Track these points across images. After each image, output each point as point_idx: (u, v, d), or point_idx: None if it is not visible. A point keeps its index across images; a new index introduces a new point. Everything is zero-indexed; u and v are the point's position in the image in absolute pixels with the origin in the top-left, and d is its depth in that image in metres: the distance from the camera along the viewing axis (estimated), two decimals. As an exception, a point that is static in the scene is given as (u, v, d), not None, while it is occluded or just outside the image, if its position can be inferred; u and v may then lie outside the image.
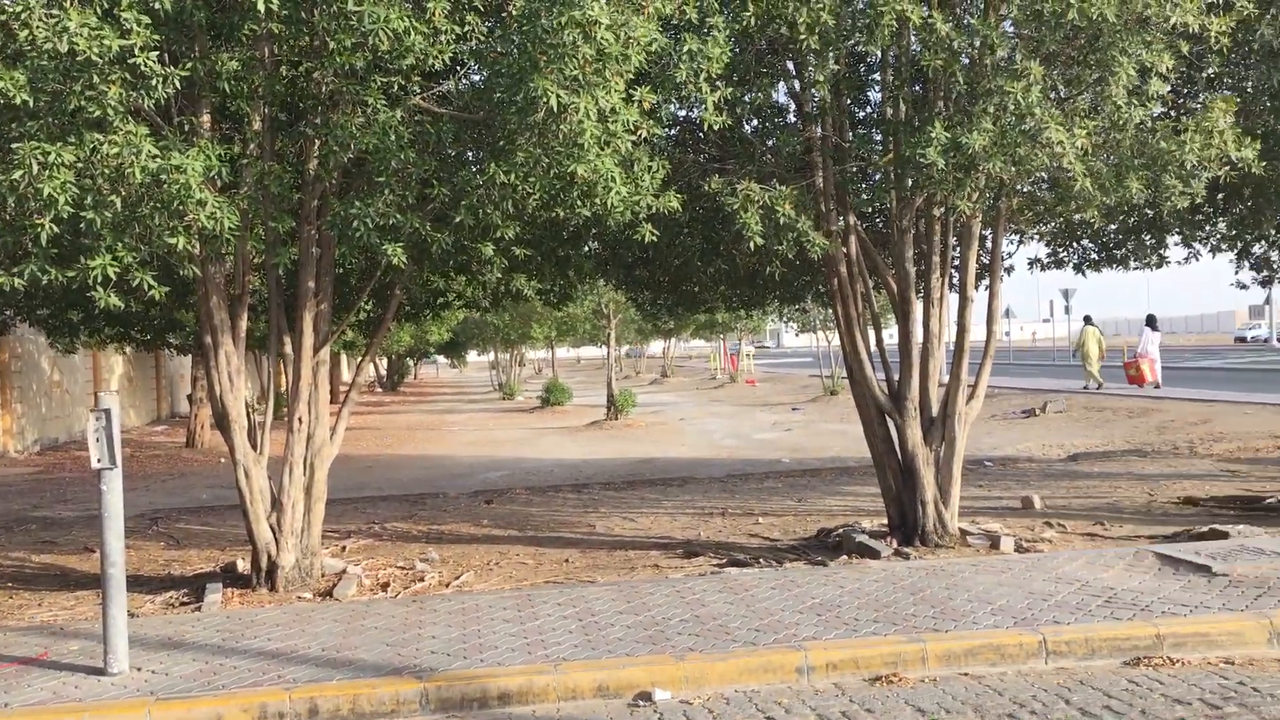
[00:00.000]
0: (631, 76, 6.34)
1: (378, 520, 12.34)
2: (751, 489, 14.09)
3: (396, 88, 6.74)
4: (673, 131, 9.27)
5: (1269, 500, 10.68)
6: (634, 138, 6.58)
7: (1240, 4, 6.85)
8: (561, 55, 5.95)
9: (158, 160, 5.91)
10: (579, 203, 6.75)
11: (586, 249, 10.30)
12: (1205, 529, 8.85)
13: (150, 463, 20.75)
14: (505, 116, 6.39)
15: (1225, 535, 8.49)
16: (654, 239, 7.18)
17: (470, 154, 7.61)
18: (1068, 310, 47.32)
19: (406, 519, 12.46)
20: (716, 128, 6.85)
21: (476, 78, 7.48)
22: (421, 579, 8.75)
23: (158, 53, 5.93)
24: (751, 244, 7.36)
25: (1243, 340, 72.32)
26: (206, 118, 7.17)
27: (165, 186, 5.95)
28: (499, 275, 9.24)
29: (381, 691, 5.54)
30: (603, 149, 6.34)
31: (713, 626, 6.47)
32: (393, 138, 6.51)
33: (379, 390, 53.83)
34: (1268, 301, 65.41)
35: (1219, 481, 12.52)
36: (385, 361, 54.58)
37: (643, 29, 6.18)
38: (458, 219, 6.98)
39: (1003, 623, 6.27)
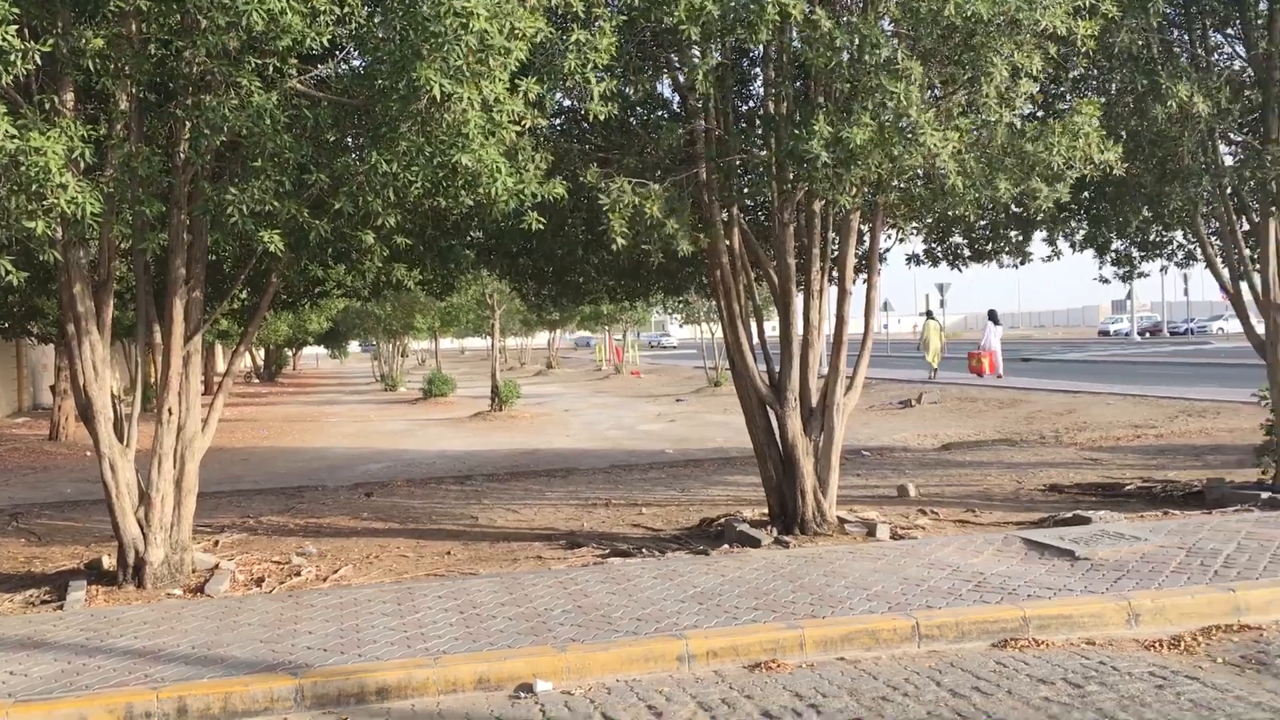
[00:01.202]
0: (516, 67, 6.28)
1: (253, 514, 12.03)
2: (636, 480, 14.15)
3: (272, 70, 6.54)
4: (558, 122, 9.23)
5: (1128, 487, 11.17)
6: (519, 128, 6.53)
7: (1105, 8, 7.11)
8: (443, 44, 5.86)
9: (15, 140, 5.64)
10: (462, 192, 6.67)
11: (470, 238, 10.19)
12: (1069, 515, 9.20)
13: (10, 456, 19.84)
14: (387, 104, 6.27)
15: (1088, 521, 8.84)
16: (540, 227, 7.14)
17: (350, 140, 7.45)
18: (943, 304, 48.79)
19: (283, 512, 12.17)
20: (602, 118, 6.84)
21: (357, 62, 7.32)
22: (298, 573, 8.56)
23: (16, 27, 5.65)
24: (615, 244, 7.38)
25: (1106, 334, 75.42)
26: (70, 97, 6.87)
27: (23, 168, 5.69)
28: (379, 264, 9.07)
29: (254, 689, 5.40)
30: (487, 139, 6.27)
31: (595, 617, 6.47)
32: (268, 121, 6.33)
33: (256, 381, 52.45)
34: (1129, 296, 68.38)
35: (1082, 469, 13.04)
36: (263, 352, 53.19)
37: (527, 20, 6.12)
38: (337, 206, 6.83)
39: (878, 608, 6.42)
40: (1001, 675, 5.58)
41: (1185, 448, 14.60)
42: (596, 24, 6.67)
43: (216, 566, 8.54)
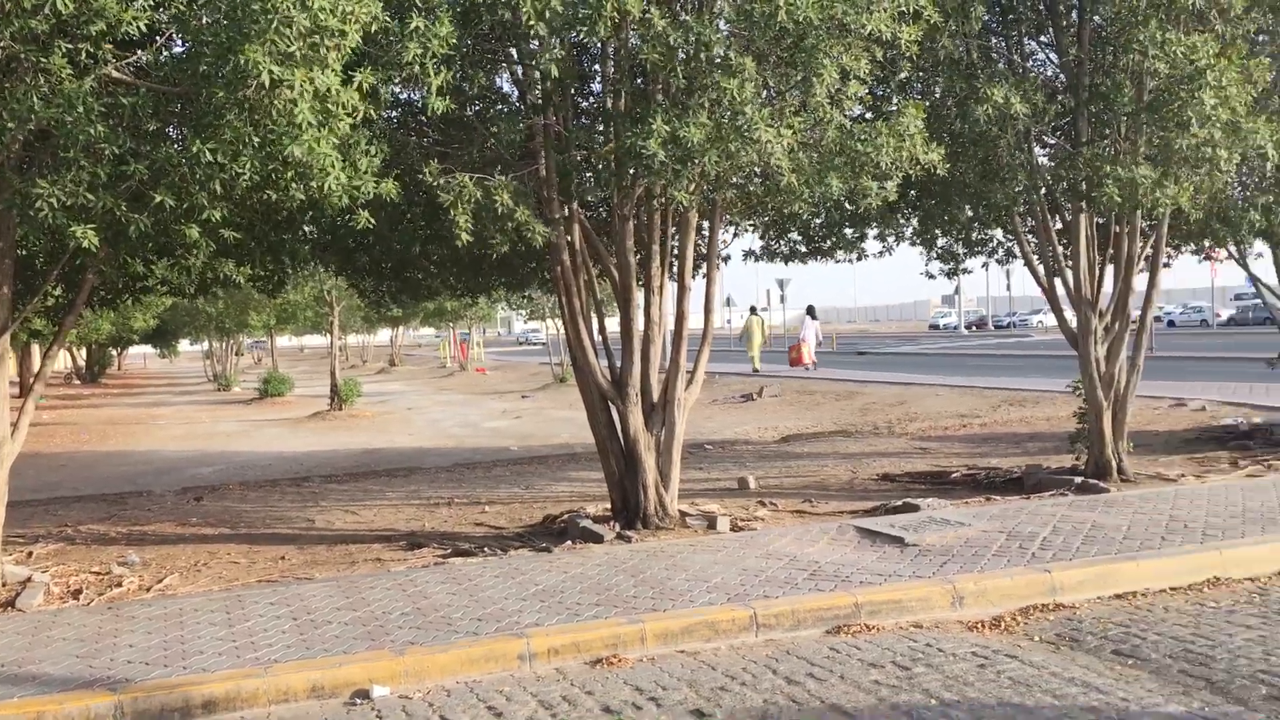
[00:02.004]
0: (351, 57, 6.10)
1: (71, 523, 11.40)
2: (479, 478, 14.01)
3: (85, 56, 6.19)
4: (394, 114, 9.04)
5: (955, 474, 11.65)
6: (353, 120, 6.35)
7: (928, 14, 7.38)
8: (273, 23, 5.64)
9: None
10: (294, 185, 6.44)
11: (303, 233, 9.88)
12: (900, 503, 9.53)
13: None
14: (212, 90, 6.00)
15: (917, 508, 9.17)
16: (374, 224, 6.97)
17: (173, 130, 7.10)
18: (783, 299, 50.08)
19: (104, 520, 11.59)
20: (440, 111, 6.72)
21: (179, 49, 6.99)
22: (119, 584, 8.15)
23: None
24: (460, 240, 7.29)
25: (936, 328, 78.59)
26: None
27: None
28: (205, 259, 8.70)
29: (69, 707, 5.12)
30: (320, 130, 6.07)
31: (435, 618, 6.37)
32: (80, 110, 5.98)
33: (77, 383, 49.81)
34: (957, 291, 71.44)
35: (913, 458, 13.54)
36: (84, 351, 50.55)
37: (364, 6, 5.96)
38: (158, 199, 6.51)
39: (717, 600, 6.52)
40: (835, 661, 5.73)
41: (1007, 436, 15.31)
42: (435, 12, 6.54)
43: (29, 579, 8.06)
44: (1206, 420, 14.92)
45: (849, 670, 5.55)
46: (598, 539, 8.67)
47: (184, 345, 58.27)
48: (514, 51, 8.39)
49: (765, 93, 7.71)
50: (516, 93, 8.91)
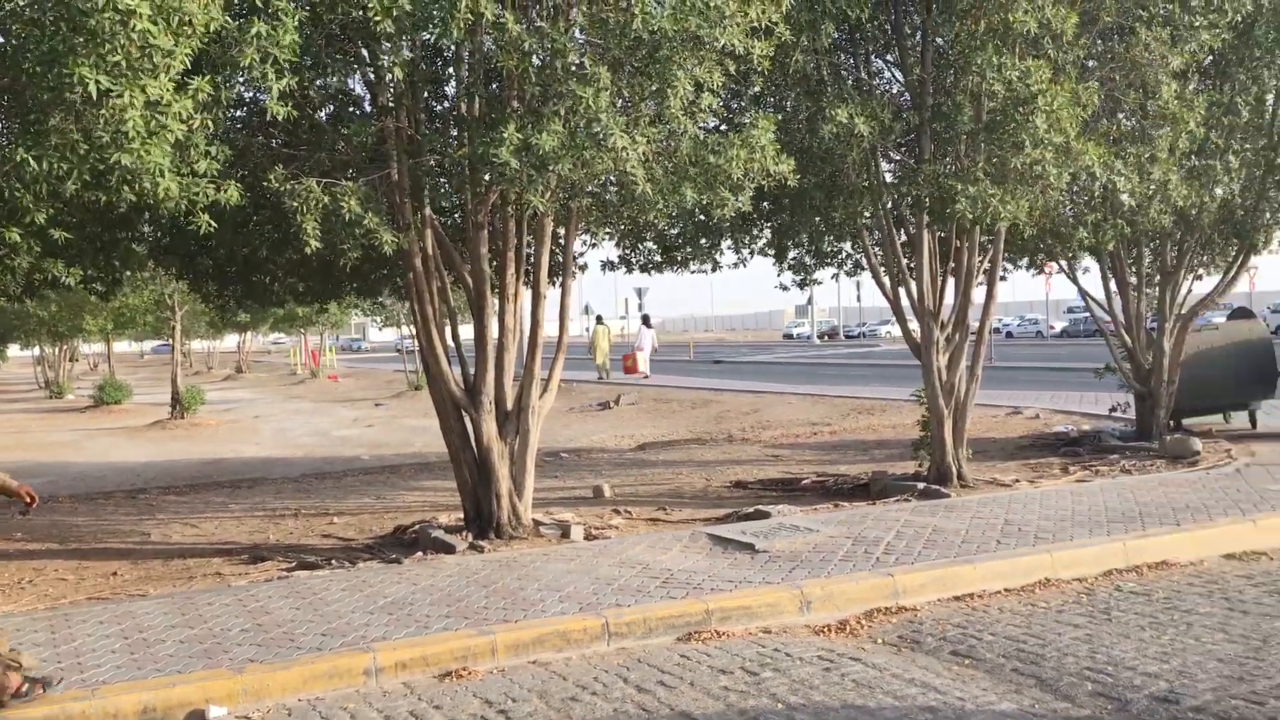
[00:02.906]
0: (186, 65, 5.82)
1: (-120, 541, 10.65)
2: (328, 488, 13.66)
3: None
4: (239, 114, 8.74)
5: (805, 481, 11.90)
6: (185, 127, 6.05)
7: (779, 31, 7.51)
8: (101, 41, 5.33)
9: None
10: (124, 188, 6.12)
11: (139, 234, 9.45)
12: (752, 510, 9.67)
13: None
14: (38, 90, 5.66)
15: (768, 515, 9.32)
16: (214, 229, 6.70)
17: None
18: (641, 308, 50.42)
19: (-82, 537, 10.85)
20: (281, 117, 6.50)
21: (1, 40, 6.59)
22: (-66, 605, 7.65)
23: None
24: (308, 247, 7.08)
25: (789, 337, 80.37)
26: None
27: None
28: (31, 261, 8.24)
29: None
30: (149, 139, 5.75)
31: (277, 635, 6.17)
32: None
33: (-109, 390, 46.67)
34: (810, 302, 73.22)
35: (765, 466, 13.78)
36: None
37: (201, 13, 5.71)
38: (-25, 199, 6.13)
39: (570, 609, 6.48)
40: (685, 668, 5.76)
41: (855, 443, 15.73)
42: (279, 16, 6.32)
43: None
44: (1040, 428, 15.62)
45: (699, 677, 5.59)
46: (449, 549, 8.54)
47: (13, 350, 55.15)
48: (365, 53, 8.20)
49: (621, 102, 7.73)
50: (369, 95, 8.73)
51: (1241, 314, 15.41)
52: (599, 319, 35.09)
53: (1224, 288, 13.08)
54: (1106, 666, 5.48)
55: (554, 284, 10.02)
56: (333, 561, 8.60)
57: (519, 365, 9.58)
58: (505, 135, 6.84)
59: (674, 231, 11.69)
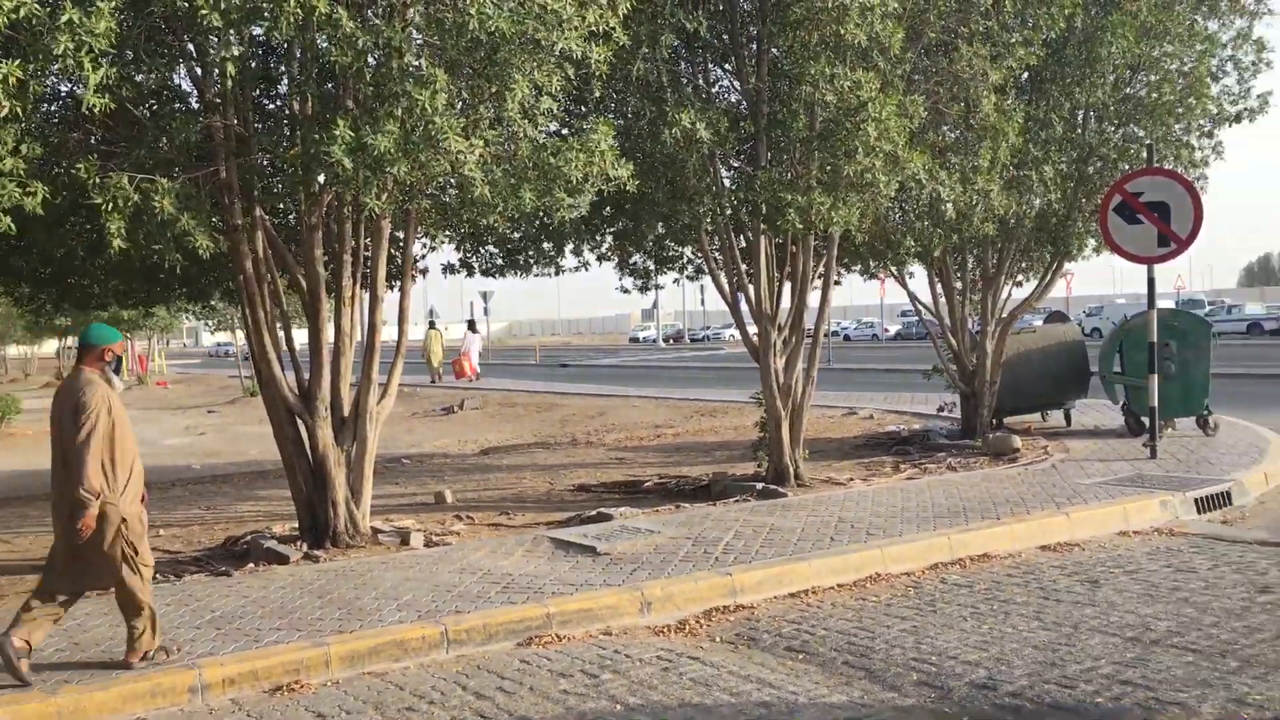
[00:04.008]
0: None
1: None
2: (154, 499, 12.93)
3: None
4: (54, 108, 8.29)
5: (647, 484, 12.01)
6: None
7: (617, 36, 7.55)
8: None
9: None
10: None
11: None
12: (594, 513, 9.70)
13: None
14: None
15: (610, 518, 9.36)
16: (14, 231, 6.31)
17: None
18: (486, 312, 50.04)
19: None
20: (97, 110, 6.19)
21: None
22: None
23: None
24: (113, 247, 6.72)
25: (636, 340, 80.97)
26: None
27: None
28: None
29: None
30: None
31: (94, 653, 5.89)
32: None
33: None
34: (655, 306, 73.96)
35: (609, 468, 13.84)
36: None
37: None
38: None
39: (408, 618, 6.37)
40: (525, 673, 5.74)
41: (698, 445, 15.96)
42: (95, 2, 6.01)
43: None
44: (874, 428, 16.16)
45: (539, 681, 5.57)
46: (283, 560, 8.28)
47: None
48: (192, 47, 7.88)
49: (461, 104, 7.65)
50: (195, 91, 8.39)
51: (1057, 317, 16.30)
52: (431, 323, 36.02)
53: (1041, 292, 13.80)
54: (931, 656, 5.70)
55: (392, 287, 9.84)
56: (157, 575, 8.21)
57: (357, 370, 9.36)
58: (338, 134, 6.68)
59: (516, 235, 11.64)
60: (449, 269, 11.88)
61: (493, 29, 6.84)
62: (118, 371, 5.93)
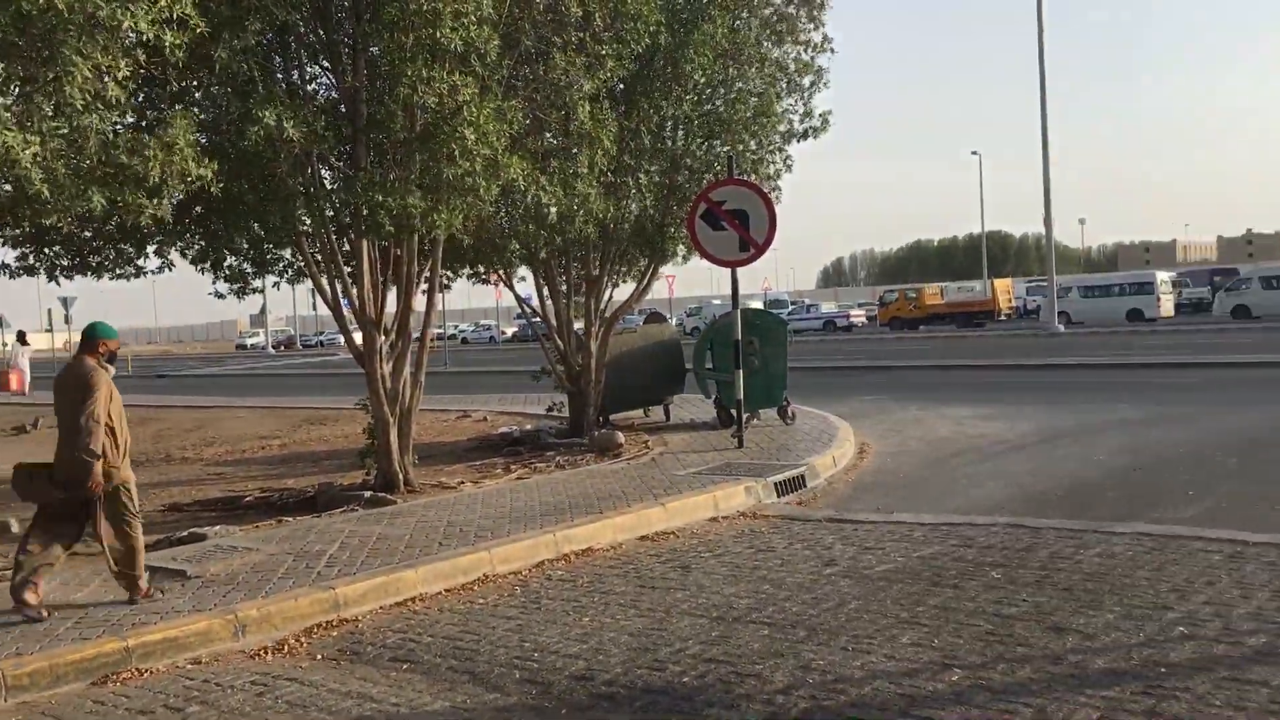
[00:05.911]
0: None
1: None
2: None
3: None
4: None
5: (248, 499, 11.36)
6: None
7: (194, 22, 7.05)
8: None
9: None
10: None
11: None
12: (185, 533, 9.03)
13: None
14: None
15: (204, 538, 8.76)
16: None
17: None
18: (68, 320, 45.57)
19: None
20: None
21: None
22: None
23: None
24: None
25: (244, 348, 76.94)
26: None
27: None
28: None
29: None
30: None
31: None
32: None
33: None
34: (263, 311, 70.53)
35: (206, 485, 12.97)
36: None
37: None
38: None
39: (-47, 669, 5.62)
40: (99, 715, 5.25)
41: (306, 455, 15.34)
42: None
43: None
44: (487, 430, 16.28)
45: (113, 724, 5.09)
46: None
47: None
48: None
49: (16, 90, 6.84)
50: None
51: (655, 318, 17.26)
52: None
53: (639, 294, 14.51)
54: (534, 653, 5.80)
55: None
56: None
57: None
58: None
59: (87, 235, 10.59)
60: (5, 271, 10.60)
61: (45, 4, 6.17)
62: (111, 363, 7.00)
